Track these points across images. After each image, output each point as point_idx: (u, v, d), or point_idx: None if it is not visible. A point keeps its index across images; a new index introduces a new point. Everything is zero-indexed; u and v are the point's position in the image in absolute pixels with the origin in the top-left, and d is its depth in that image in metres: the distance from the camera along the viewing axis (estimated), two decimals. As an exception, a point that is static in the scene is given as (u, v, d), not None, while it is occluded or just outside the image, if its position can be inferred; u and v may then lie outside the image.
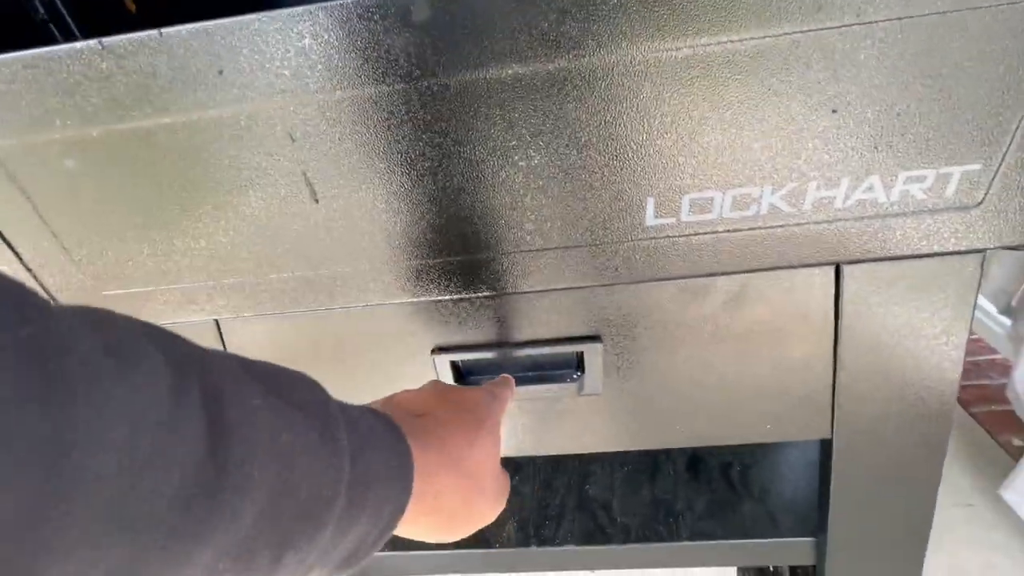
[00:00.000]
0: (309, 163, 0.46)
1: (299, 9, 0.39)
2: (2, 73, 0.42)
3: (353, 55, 0.41)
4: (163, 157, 0.46)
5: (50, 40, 0.62)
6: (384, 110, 0.43)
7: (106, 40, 0.41)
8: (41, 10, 0.61)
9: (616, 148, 0.45)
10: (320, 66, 0.41)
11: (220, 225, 0.50)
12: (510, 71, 0.41)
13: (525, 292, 0.55)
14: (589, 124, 0.43)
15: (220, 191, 0.48)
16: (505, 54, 0.40)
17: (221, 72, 0.42)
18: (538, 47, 0.40)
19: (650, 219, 0.48)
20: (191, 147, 0.46)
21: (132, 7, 0.77)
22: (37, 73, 0.42)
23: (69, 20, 0.63)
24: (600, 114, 0.43)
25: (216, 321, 0.59)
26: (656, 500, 0.84)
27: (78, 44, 0.41)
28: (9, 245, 0.52)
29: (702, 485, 0.85)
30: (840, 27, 0.39)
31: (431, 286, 0.54)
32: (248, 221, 0.50)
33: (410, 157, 0.46)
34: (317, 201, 0.48)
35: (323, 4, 0.39)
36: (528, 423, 0.64)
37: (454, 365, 0.60)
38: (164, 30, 0.40)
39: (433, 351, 0.59)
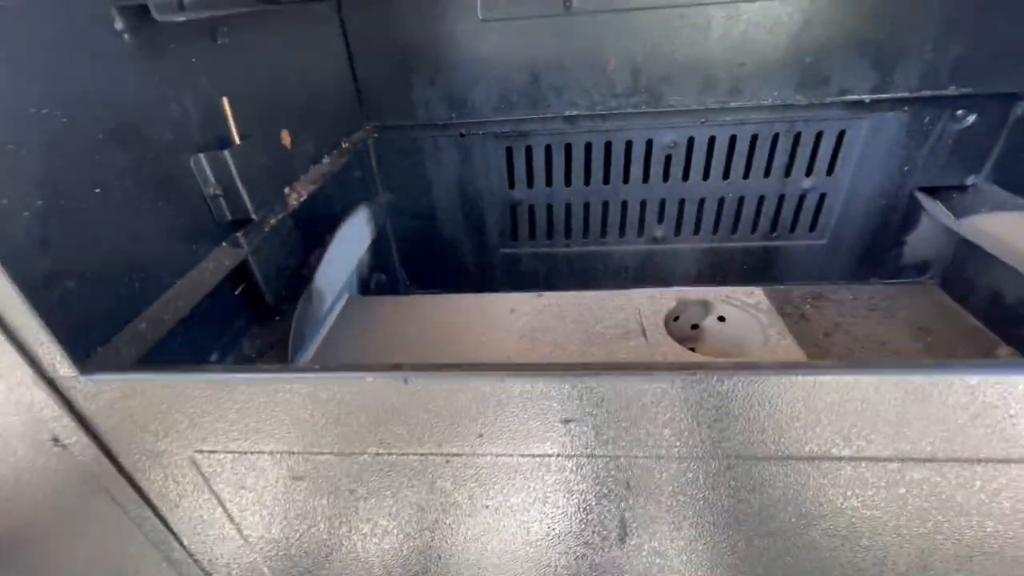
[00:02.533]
0: (634, 508, 0.33)
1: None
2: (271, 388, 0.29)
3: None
4: (452, 484, 0.33)
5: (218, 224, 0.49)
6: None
7: (411, 376, 0.28)
8: (212, 180, 0.49)
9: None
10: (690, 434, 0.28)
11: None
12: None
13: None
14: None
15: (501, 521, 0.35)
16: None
17: (566, 423, 0.28)
18: None
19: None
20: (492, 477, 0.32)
21: (288, 142, 0.65)
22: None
23: (241, 188, 0.50)
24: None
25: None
26: None
27: (370, 377, 0.28)
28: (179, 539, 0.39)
29: None
30: None
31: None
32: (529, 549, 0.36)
33: (766, 521, 0.32)
34: (623, 543, 0.35)
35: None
36: None
37: None
38: (504, 372, 0.27)
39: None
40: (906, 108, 0.83)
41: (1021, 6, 0.75)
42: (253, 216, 0.52)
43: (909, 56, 0.80)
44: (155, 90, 0.43)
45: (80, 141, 0.37)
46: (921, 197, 0.90)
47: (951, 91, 0.81)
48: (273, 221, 0.55)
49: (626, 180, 0.94)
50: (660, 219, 0.99)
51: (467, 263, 1.06)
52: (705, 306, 0.74)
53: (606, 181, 0.95)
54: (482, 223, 1.00)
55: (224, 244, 0.51)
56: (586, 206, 0.98)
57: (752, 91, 0.84)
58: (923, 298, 0.99)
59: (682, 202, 0.96)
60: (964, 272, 0.93)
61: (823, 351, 0.88)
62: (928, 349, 0.87)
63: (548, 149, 0.92)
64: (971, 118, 0.84)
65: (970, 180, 0.90)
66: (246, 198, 0.51)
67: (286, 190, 0.63)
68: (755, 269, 1.03)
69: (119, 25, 0.40)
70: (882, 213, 0.94)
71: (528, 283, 1.09)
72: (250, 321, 0.56)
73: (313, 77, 0.72)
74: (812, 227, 0.98)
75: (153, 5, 0.39)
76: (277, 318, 0.57)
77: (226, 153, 0.48)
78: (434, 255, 1.05)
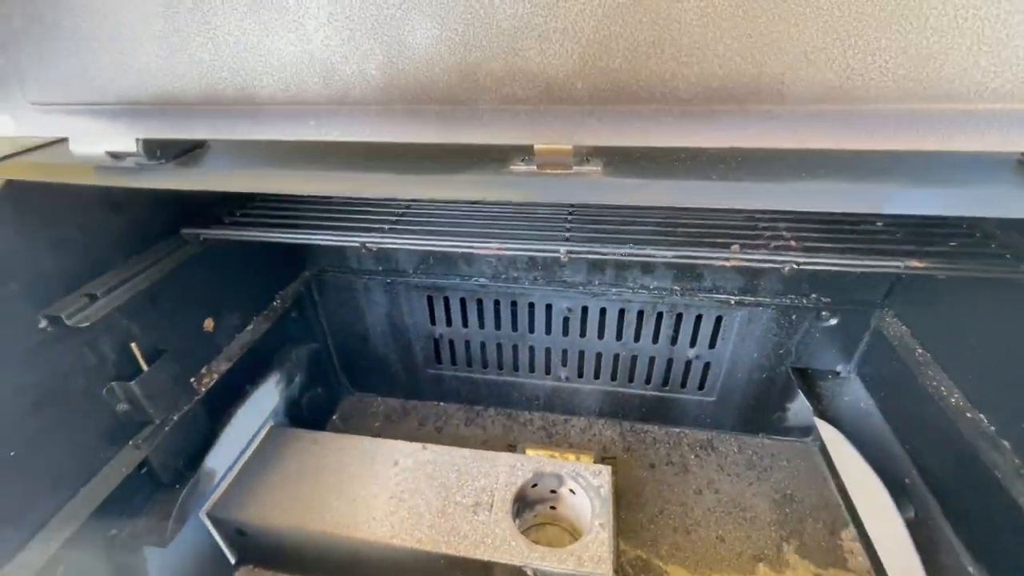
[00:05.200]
0: None
1: None
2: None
3: None
4: None
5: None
6: None
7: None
8: (122, 400, 0.64)
9: None
10: None
11: None
12: None
13: None
14: None
15: None
16: None
17: None
18: None
19: None
20: None
21: (211, 327, 0.80)
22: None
23: (146, 405, 0.65)
24: None
25: None
26: None
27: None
28: None
29: None
30: None
31: None
32: None
33: None
34: None
35: None
36: None
37: None
38: None
39: None
40: (772, 307, 0.92)
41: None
42: (155, 421, 0.67)
43: (771, 269, 0.88)
44: (72, 355, 0.59)
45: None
46: (794, 376, 0.99)
47: (812, 299, 0.90)
48: (176, 417, 0.70)
49: (531, 331, 1.06)
50: (564, 363, 1.10)
51: (399, 376, 1.20)
52: (559, 478, 0.86)
53: (514, 329, 1.06)
54: (409, 348, 1.14)
55: (130, 443, 0.66)
56: (499, 345, 1.10)
57: (634, 279, 0.95)
58: (800, 461, 1.07)
59: (581, 352, 1.07)
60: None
61: (687, 509, 0.98)
62: (782, 520, 0.95)
63: (463, 301, 1.05)
64: (833, 320, 0.92)
65: (839, 368, 0.98)
66: (150, 410, 0.66)
67: (203, 370, 0.78)
68: (653, 412, 1.13)
69: (42, 324, 0.55)
70: (763, 383, 1.03)
71: (452, 397, 1.21)
72: (155, 489, 0.71)
73: (250, 260, 0.87)
74: (701, 386, 1.07)
75: (64, 316, 0.54)
76: (176, 486, 0.72)
77: (132, 384, 0.63)
78: (370, 368, 1.19)
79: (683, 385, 1.07)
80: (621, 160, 0.41)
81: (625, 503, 0.99)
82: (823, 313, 0.92)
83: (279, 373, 0.90)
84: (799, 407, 1.05)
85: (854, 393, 0.94)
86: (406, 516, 0.79)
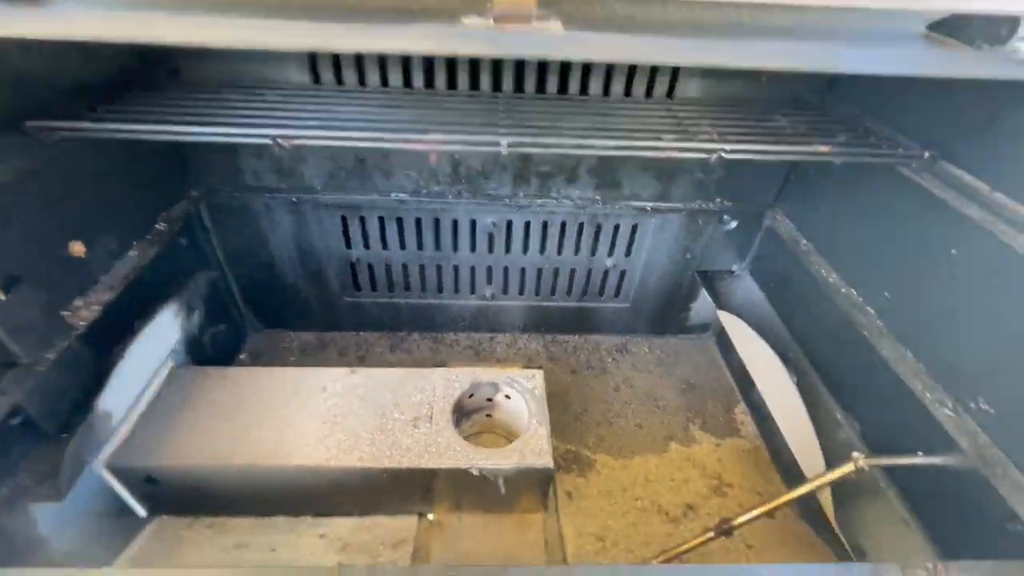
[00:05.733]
0: None
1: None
2: None
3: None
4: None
5: None
6: None
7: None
8: (-27, 336, 0.52)
9: None
10: None
11: None
12: None
13: None
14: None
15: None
16: None
17: None
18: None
19: None
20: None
21: (81, 251, 0.67)
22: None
23: (7, 342, 0.54)
24: None
25: None
26: None
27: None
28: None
29: None
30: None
31: None
32: None
33: None
34: None
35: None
36: None
37: None
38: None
39: None
40: (683, 212, 0.99)
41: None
42: (23, 361, 0.56)
43: (684, 174, 0.94)
44: None
45: None
46: (698, 278, 1.09)
47: (717, 203, 0.97)
48: (51, 356, 0.59)
49: (455, 249, 1.03)
50: (489, 281, 1.10)
51: (312, 306, 1.12)
52: (494, 386, 0.88)
53: (438, 248, 1.03)
54: (322, 275, 1.06)
55: (-7, 388, 0.54)
56: (421, 267, 1.06)
57: (558, 189, 0.95)
58: (699, 355, 1.20)
59: (506, 269, 1.08)
60: (726, 339, 1.14)
61: (608, 405, 1.06)
62: (687, 405, 1.08)
63: (381, 220, 0.98)
64: (733, 224, 1.01)
65: (735, 267, 1.09)
66: (13, 348, 0.54)
67: (78, 302, 0.66)
68: (573, 321, 1.19)
69: None
70: (671, 287, 1.12)
71: (373, 325, 1.17)
72: (38, 440, 0.60)
73: (120, 172, 0.73)
74: (617, 294, 1.14)
75: None
76: (64, 435, 0.62)
77: (-16, 315, 0.51)
78: (278, 299, 1.09)
79: (601, 294, 1.13)
80: (580, 20, 0.38)
81: (552, 407, 1.05)
82: (725, 216, 1.00)
83: (176, 304, 0.79)
84: (700, 307, 1.16)
85: (747, 288, 1.06)
86: (343, 438, 0.76)
